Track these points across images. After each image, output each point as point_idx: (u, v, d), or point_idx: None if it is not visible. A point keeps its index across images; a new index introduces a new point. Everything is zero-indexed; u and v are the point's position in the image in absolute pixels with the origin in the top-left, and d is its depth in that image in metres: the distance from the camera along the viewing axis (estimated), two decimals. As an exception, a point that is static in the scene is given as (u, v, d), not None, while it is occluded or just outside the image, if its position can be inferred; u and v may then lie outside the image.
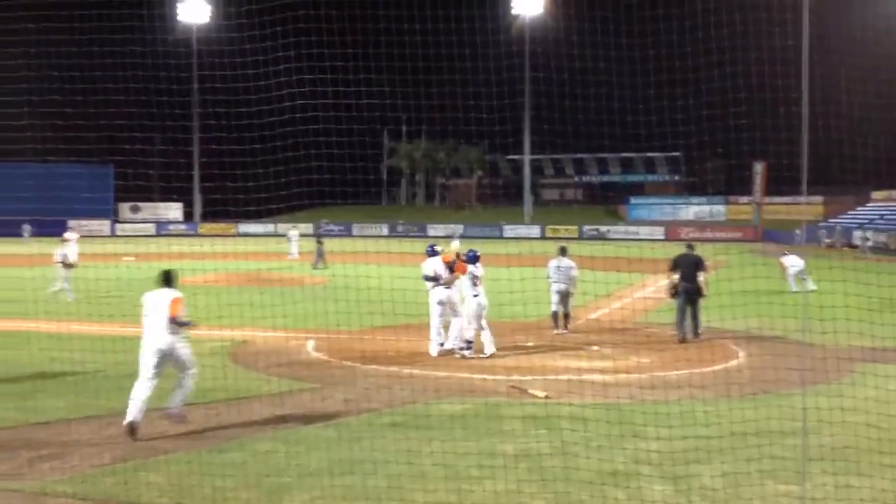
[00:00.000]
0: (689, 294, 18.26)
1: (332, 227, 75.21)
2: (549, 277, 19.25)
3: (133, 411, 10.71)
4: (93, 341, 15.86)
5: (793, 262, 27.98)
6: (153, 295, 11.23)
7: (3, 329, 15.10)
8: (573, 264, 19.39)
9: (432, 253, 16.94)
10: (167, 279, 11.38)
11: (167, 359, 11.04)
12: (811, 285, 23.24)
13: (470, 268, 16.41)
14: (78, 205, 73.34)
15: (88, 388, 13.24)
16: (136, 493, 8.55)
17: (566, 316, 19.31)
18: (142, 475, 9.09)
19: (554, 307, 19.23)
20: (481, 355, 16.12)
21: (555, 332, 19.12)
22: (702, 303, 18.66)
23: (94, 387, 13.43)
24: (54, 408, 11.97)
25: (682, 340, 18.03)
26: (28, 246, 41.74)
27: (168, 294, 11.19)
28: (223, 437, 10.65)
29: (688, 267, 18.41)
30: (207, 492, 8.55)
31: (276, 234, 75.37)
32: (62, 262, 25.31)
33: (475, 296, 16.23)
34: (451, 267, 16.54)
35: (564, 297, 19.14)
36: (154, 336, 11.03)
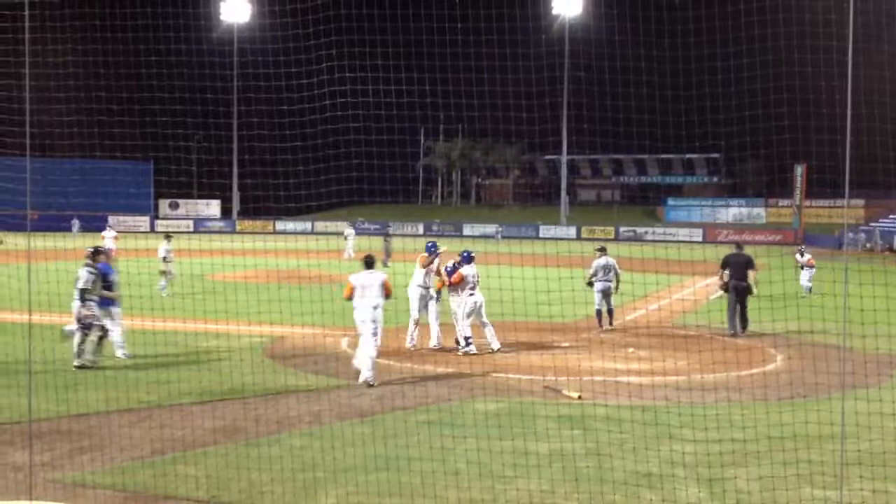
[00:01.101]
0: (738, 292, 19.19)
1: (367, 225, 75.61)
2: (594, 276, 19.72)
3: (365, 372, 13.46)
4: (133, 335, 16.08)
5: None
6: (362, 276, 13.87)
7: (46, 322, 15.37)
8: (615, 262, 20.00)
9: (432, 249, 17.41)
10: (370, 263, 14.17)
11: (375, 326, 13.72)
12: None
13: (463, 269, 16.65)
14: (119, 200, 74.48)
15: (127, 382, 13.43)
16: (173, 486, 8.67)
17: (610, 312, 19.86)
18: (179, 468, 9.21)
19: (597, 305, 19.82)
20: (489, 350, 16.39)
21: (602, 327, 19.68)
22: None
23: (134, 379, 13.64)
24: (93, 400, 12.15)
25: (733, 335, 18.99)
26: (75, 240, 42.38)
27: (378, 276, 13.93)
28: (259, 431, 10.76)
29: (737, 266, 19.37)
30: (243, 485, 8.65)
31: (313, 232, 75.90)
32: (164, 258, 25.94)
33: (470, 294, 16.50)
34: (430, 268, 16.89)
35: (607, 295, 19.70)
36: (365, 310, 13.68)
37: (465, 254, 16.98)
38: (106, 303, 15.10)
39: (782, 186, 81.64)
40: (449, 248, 18.30)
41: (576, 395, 12.89)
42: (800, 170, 75.77)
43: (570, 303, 17.19)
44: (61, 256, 23.00)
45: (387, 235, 41.12)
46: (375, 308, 13.77)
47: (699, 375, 14.68)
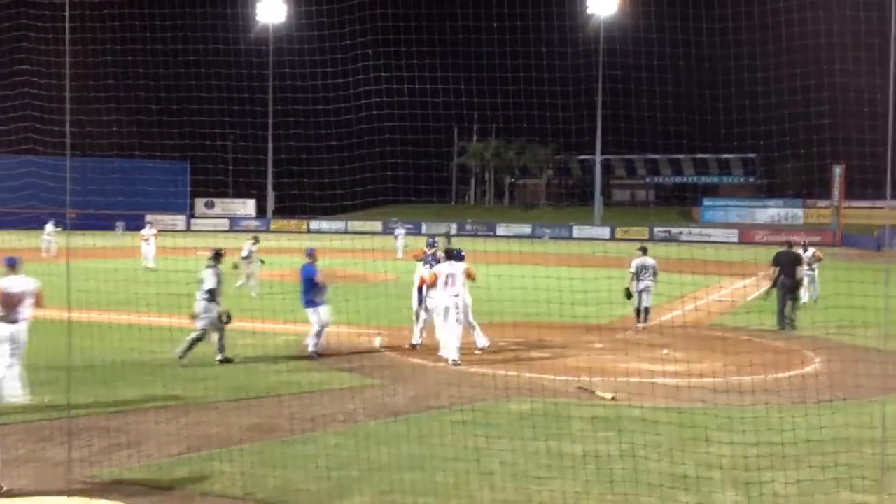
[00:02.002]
0: (787, 288, 20.19)
1: (400, 224, 75.78)
2: (633, 275, 20.25)
3: (452, 352, 15.08)
4: (171, 332, 16.22)
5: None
6: (447, 266, 15.67)
7: (87, 319, 15.54)
8: (654, 262, 20.52)
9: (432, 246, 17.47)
10: (460, 256, 16.09)
11: (463, 312, 15.32)
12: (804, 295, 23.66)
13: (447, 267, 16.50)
14: (158, 199, 75.31)
15: (164, 379, 13.55)
16: (209, 483, 8.73)
17: (646, 311, 20.37)
18: (214, 465, 9.28)
19: (636, 303, 20.34)
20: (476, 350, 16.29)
21: (638, 326, 20.12)
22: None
23: (171, 376, 13.76)
24: (130, 397, 12.28)
25: (781, 329, 19.92)
26: (115, 240, 42.72)
27: (461, 266, 15.70)
28: (293, 429, 10.80)
29: (787, 264, 20.35)
30: (278, 483, 8.69)
31: (346, 232, 76.15)
32: (247, 258, 26.11)
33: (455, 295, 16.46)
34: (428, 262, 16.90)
35: (647, 293, 20.26)
36: (448, 298, 15.33)
37: (457, 252, 17.12)
38: (315, 303, 15.69)
39: (821, 187, 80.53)
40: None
41: (609, 396, 12.82)
42: (838, 170, 74.69)
43: (607, 303, 17.06)
44: (100, 255, 23.22)
45: (448, 235, 40.32)
46: (457, 296, 15.38)
47: (736, 377, 14.52)
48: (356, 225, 79.23)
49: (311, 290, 15.76)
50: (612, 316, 20.53)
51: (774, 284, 20.41)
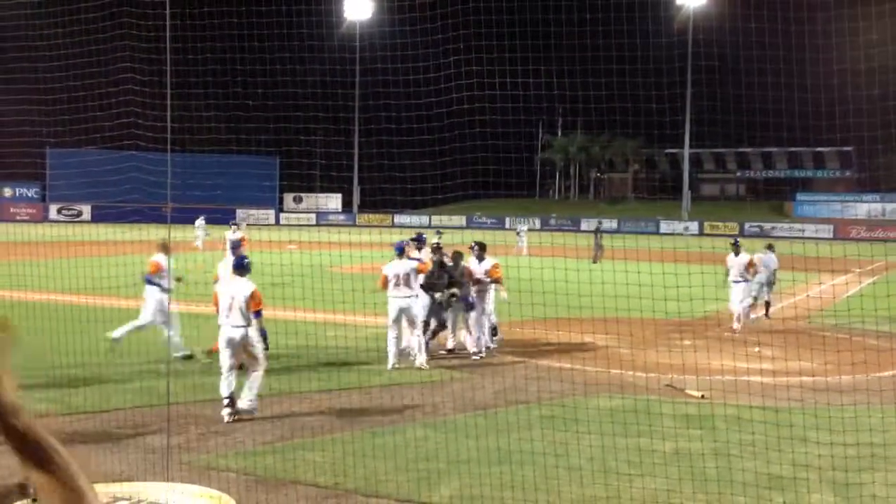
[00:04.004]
0: None
1: (484, 219, 75.78)
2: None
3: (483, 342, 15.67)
4: (266, 324, 16.50)
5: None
6: None
7: (183, 310, 15.97)
8: (773, 258, 21.25)
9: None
10: (483, 247, 16.55)
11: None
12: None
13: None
14: (253, 193, 77.36)
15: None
16: (301, 471, 8.89)
17: (767, 304, 21.34)
18: (305, 453, 9.45)
19: (759, 297, 21.00)
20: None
21: (762, 317, 21.10)
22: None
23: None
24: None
25: None
26: (241, 232, 43.38)
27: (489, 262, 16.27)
28: (379, 421, 10.92)
29: None
30: (367, 472, 8.80)
31: (430, 226, 76.48)
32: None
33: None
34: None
35: (766, 286, 21.09)
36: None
37: (418, 236, 17.40)
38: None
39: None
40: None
41: (699, 394, 12.59)
42: (941, 164, 71.72)
43: (700, 299, 16.75)
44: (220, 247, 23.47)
45: (598, 233, 39.45)
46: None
47: (832, 377, 14.10)
48: (443, 219, 79.42)
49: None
50: (707, 311, 20.17)
51: None
